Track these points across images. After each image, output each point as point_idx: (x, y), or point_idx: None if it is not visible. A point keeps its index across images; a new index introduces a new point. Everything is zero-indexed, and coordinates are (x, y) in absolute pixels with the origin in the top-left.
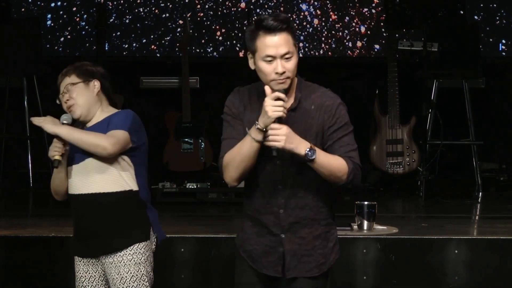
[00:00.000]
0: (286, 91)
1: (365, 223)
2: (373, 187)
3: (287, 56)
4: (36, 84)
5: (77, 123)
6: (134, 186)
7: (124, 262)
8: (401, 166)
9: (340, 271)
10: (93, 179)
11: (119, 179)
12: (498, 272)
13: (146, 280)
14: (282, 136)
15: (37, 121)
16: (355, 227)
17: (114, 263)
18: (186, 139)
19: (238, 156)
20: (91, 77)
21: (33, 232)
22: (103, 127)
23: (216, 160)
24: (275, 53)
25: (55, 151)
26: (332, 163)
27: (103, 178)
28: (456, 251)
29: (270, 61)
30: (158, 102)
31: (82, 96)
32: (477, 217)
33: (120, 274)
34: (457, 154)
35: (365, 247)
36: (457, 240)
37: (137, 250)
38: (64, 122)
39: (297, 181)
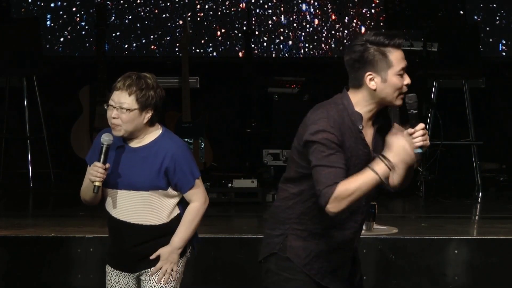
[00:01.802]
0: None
1: (365, 223)
2: None
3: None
4: (36, 84)
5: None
6: (176, 212)
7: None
8: None
9: None
10: (138, 211)
11: (163, 212)
12: (498, 272)
13: None
14: (427, 136)
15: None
16: None
17: (148, 272)
18: (186, 139)
19: (358, 191)
20: (147, 107)
21: (33, 232)
22: (150, 152)
23: (216, 161)
24: (405, 65)
25: (97, 177)
26: None
27: (148, 212)
28: (456, 251)
29: (402, 74)
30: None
31: (132, 123)
32: (477, 217)
33: (150, 282)
34: (457, 154)
35: (365, 247)
36: (457, 240)
37: None
38: (103, 144)
39: (373, 193)
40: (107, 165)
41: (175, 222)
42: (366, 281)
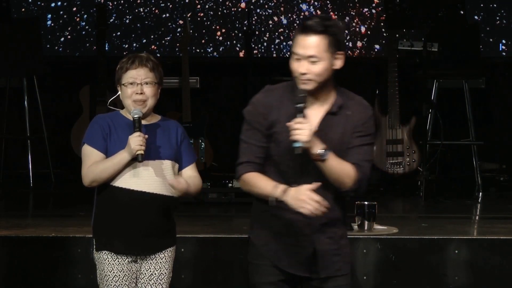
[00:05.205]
0: (306, 93)
1: (365, 223)
2: (373, 187)
3: (312, 59)
4: (36, 84)
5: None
6: None
7: (165, 259)
8: (401, 166)
9: None
10: (163, 181)
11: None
12: (498, 272)
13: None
14: (307, 130)
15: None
16: (355, 227)
17: (156, 259)
18: None
19: (254, 192)
20: (161, 83)
21: (33, 232)
22: (164, 126)
23: (216, 161)
24: (302, 53)
25: (142, 146)
26: (343, 168)
27: (163, 181)
28: (456, 251)
29: (297, 59)
30: (158, 102)
31: (154, 97)
32: (477, 217)
33: (160, 270)
34: (457, 154)
35: (365, 247)
36: (457, 240)
37: (173, 249)
38: (135, 116)
39: (315, 173)
40: (146, 136)
41: (175, 200)
42: (366, 281)
